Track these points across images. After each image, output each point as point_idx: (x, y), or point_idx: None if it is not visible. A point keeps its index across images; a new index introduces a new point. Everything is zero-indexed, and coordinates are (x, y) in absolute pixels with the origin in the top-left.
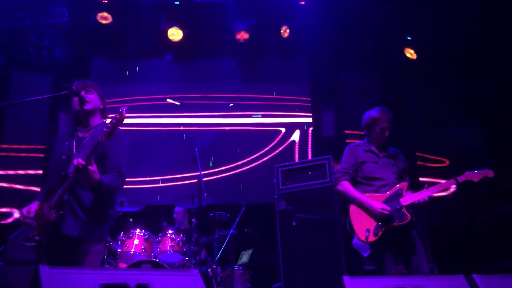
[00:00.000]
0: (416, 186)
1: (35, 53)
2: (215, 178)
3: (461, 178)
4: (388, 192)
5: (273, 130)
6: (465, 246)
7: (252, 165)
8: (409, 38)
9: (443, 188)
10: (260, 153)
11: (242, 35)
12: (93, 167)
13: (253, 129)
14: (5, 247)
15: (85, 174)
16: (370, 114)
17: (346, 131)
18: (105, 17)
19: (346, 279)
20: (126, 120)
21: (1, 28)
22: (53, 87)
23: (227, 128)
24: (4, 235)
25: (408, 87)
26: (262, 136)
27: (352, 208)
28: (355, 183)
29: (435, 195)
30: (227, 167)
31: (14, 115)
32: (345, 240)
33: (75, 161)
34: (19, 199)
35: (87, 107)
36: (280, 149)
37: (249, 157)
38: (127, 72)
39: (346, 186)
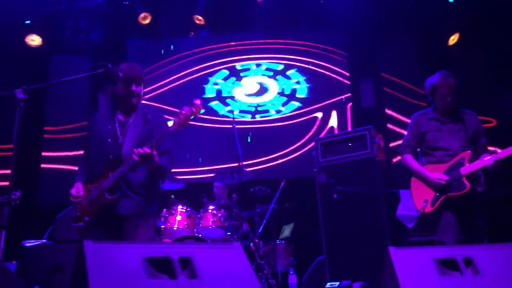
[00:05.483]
0: None
1: (72, 36)
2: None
3: None
4: (449, 162)
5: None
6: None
7: (293, 155)
8: (450, 0)
9: (507, 154)
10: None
11: None
12: (155, 153)
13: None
14: (53, 227)
15: (150, 161)
16: (430, 81)
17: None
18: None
19: (392, 250)
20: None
21: (38, 14)
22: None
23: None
24: (51, 215)
25: (451, 54)
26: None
27: (413, 180)
28: (422, 153)
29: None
30: (267, 158)
31: (55, 99)
32: (389, 211)
33: (140, 150)
34: (65, 180)
35: (135, 101)
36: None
37: (287, 148)
38: (162, 51)
39: (407, 159)
